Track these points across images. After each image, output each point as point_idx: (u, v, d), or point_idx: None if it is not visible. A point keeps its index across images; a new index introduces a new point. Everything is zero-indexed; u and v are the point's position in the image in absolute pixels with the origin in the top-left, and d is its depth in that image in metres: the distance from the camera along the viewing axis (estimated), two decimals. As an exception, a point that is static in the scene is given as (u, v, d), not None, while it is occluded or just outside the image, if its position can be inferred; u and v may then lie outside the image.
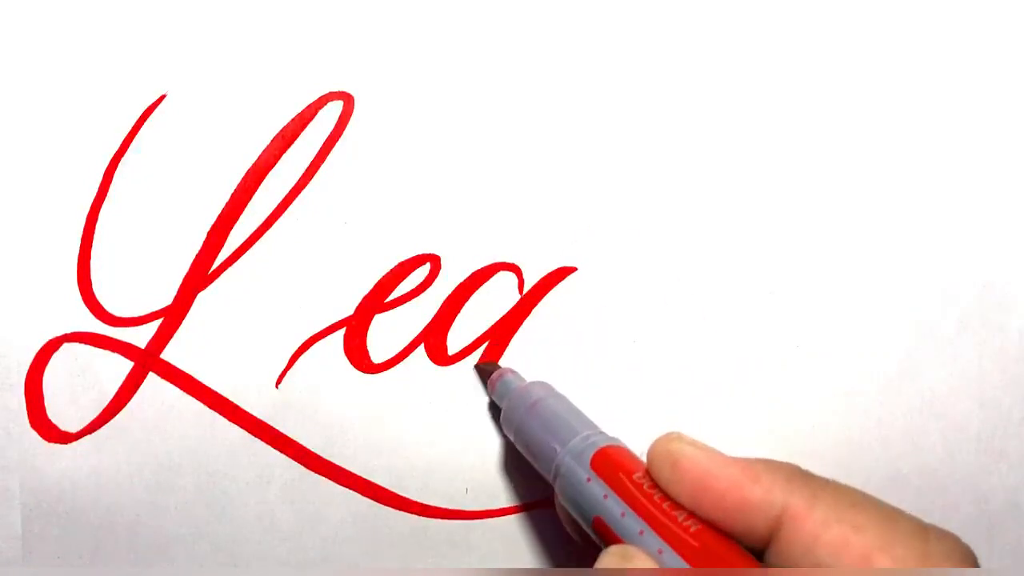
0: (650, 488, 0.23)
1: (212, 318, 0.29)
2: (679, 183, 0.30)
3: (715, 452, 0.22)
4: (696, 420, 0.31)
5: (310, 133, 0.29)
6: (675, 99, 0.30)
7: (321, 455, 0.30)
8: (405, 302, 0.30)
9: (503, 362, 0.30)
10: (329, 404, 0.30)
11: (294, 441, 0.30)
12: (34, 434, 0.29)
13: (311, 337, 0.29)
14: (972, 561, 0.20)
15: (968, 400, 0.33)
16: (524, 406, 0.27)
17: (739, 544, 0.21)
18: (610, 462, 0.24)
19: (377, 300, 0.30)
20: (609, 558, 0.22)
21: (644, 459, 0.23)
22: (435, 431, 0.30)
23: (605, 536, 0.23)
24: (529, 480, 0.31)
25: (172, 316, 0.29)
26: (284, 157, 0.29)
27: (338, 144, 0.29)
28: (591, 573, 0.22)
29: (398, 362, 0.30)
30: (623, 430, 0.31)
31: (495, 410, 0.30)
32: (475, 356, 0.30)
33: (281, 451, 0.30)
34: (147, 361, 0.29)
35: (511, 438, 0.28)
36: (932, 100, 0.31)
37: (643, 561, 0.21)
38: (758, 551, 0.21)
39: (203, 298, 0.29)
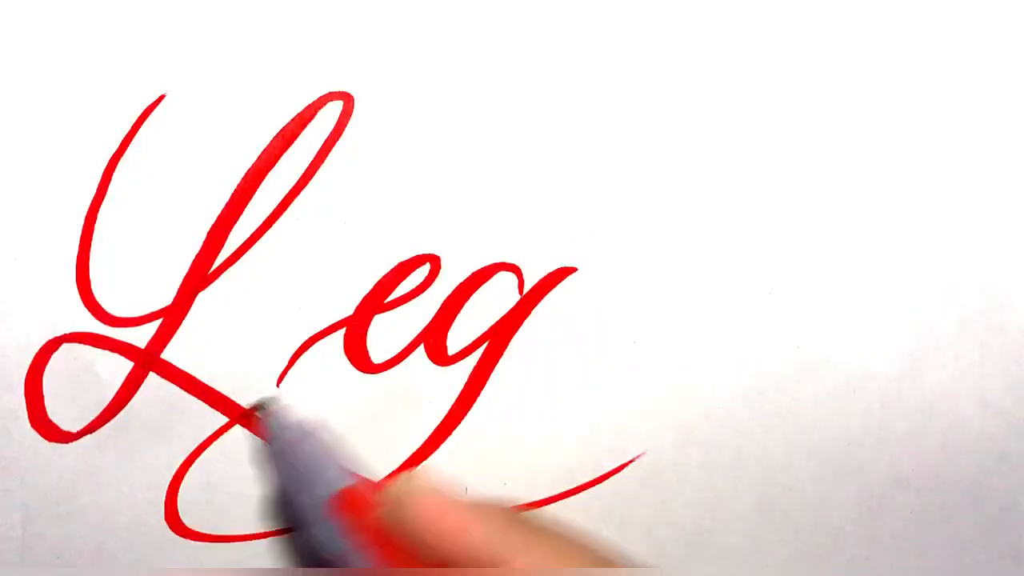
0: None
1: (212, 318, 0.29)
2: (679, 183, 0.30)
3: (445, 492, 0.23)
4: (696, 420, 0.31)
5: (310, 133, 0.29)
6: (675, 99, 0.30)
7: (321, 455, 0.30)
8: (405, 302, 0.30)
9: (502, 363, 0.30)
10: (329, 404, 0.30)
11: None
12: (34, 434, 0.29)
13: (311, 337, 0.29)
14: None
15: (968, 401, 0.33)
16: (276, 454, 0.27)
17: None
18: (350, 505, 0.24)
19: (377, 300, 0.30)
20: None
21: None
22: (435, 431, 0.30)
23: None
24: (529, 480, 0.31)
25: (172, 316, 0.29)
26: (284, 157, 0.29)
27: (338, 144, 0.29)
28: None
29: (398, 362, 0.30)
30: (624, 430, 0.31)
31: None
32: (475, 357, 0.30)
33: (281, 451, 0.30)
34: (147, 361, 0.29)
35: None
36: (932, 100, 0.31)
37: None
38: None
39: (203, 298, 0.29)
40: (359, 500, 0.24)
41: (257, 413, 0.29)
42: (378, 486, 0.25)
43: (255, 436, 0.29)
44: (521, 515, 0.23)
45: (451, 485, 0.23)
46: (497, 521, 0.22)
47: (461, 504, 0.22)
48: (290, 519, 0.27)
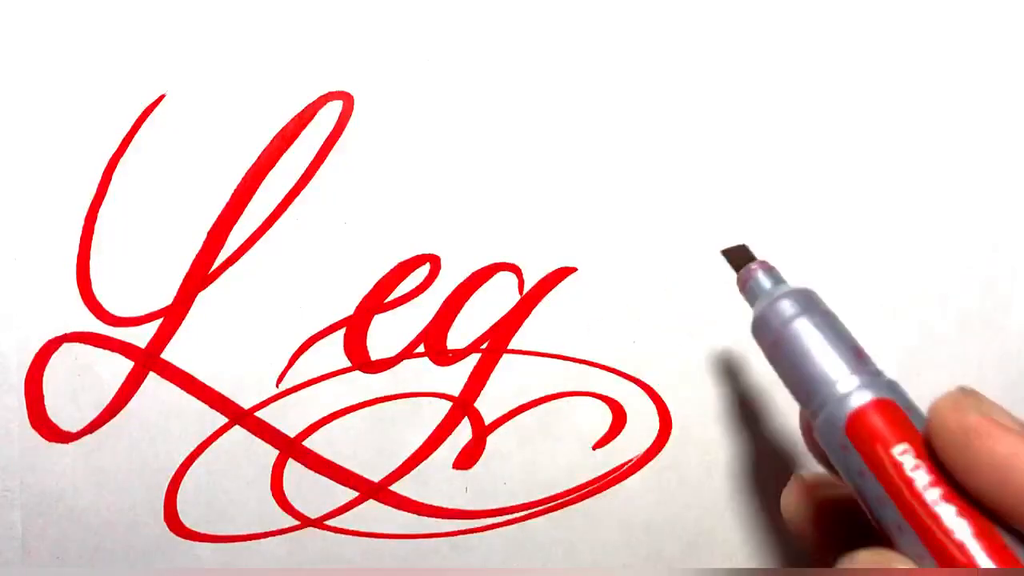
0: (915, 468, 0.18)
1: (212, 318, 0.29)
2: (679, 183, 0.30)
3: (1021, 430, 0.18)
4: (695, 421, 0.31)
5: (310, 133, 0.29)
6: (675, 99, 0.30)
7: (321, 455, 0.30)
8: (405, 302, 0.30)
9: (502, 360, 0.30)
10: (329, 404, 0.30)
11: (294, 441, 0.30)
12: (34, 434, 0.29)
13: (311, 337, 0.29)
14: None
15: (968, 400, 0.33)
16: (777, 323, 0.22)
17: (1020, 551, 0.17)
18: (871, 427, 0.19)
19: (377, 300, 0.30)
20: (859, 566, 0.18)
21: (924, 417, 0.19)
22: (435, 431, 0.30)
23: (867, 509, 0.20)
24: (529, 480, 0.31)
25: (172, 316, 0.29)
26: (284, 157, 0.29)
27: (338, 144, 0.29)
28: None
29: (398, 362, 0.30)
30: (624, 430, 0.31)
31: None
32: (474, 358, 0.30)
33: (281, 451, 0.30)
34: (147, 361, 0.29)
35: (762, 352, 0.24)
36: (932, 100, 0.31)
37: (902, 568, 0.17)
38: None
39: (203, 298, 0.29)
40: (887, 422, 0.19)
41: (732, 261, 0.26)
42: (893, 407, 0.20)
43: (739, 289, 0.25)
44: None
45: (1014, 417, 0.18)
46: None
47: None
48: (801, 404, 0.22)
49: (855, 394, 0.20)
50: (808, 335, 0.22)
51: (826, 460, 0.23)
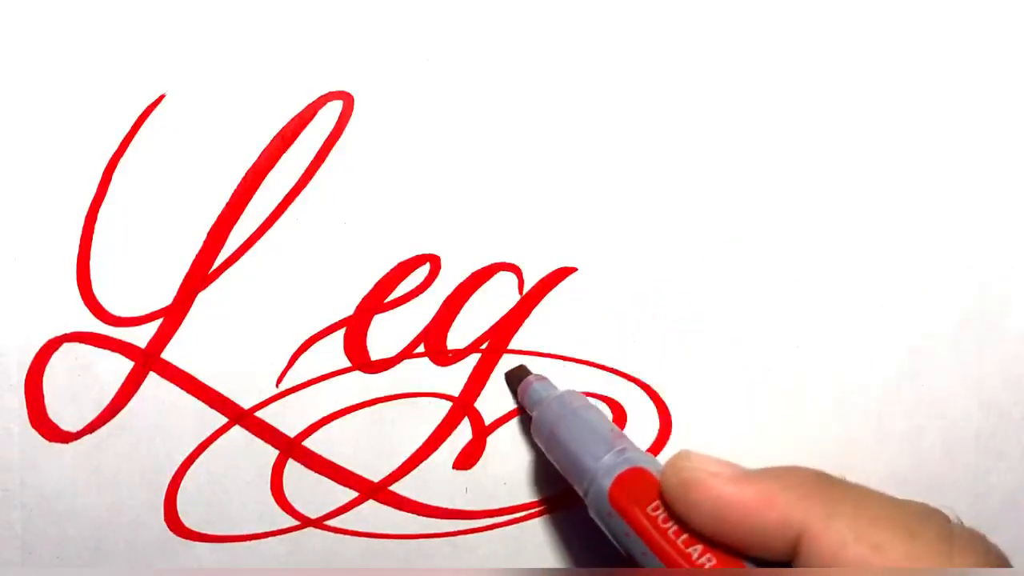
0: (665, 521, 0.22)
1: (212, 318, 0.29)
2: (679, 183, 0.30)
3: (728, 473, 0.21)
4: (695, 421, 0.31)
5: (310, 133, 0.29)
6: (675, 99, 0.30)
7: (321, 455, 0.30)
8: (405, 302, 0.30)
9: (502, 360, 0.30)
10: (329, 404, 0.30)
11: (294, 441, 0.30)
12: (34, 434, 0.29)
13: (311, 337, 0.29)
14: (1002, 562, 0.19)
15: (967, 400, 0.33)
16: (548, 424, 0.27)
17: (762, 564, 0.20)
18: (626, 495, 0.23)
19: (377, 300, 0.30)
20: None
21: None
22: (435, 431, 0.30)
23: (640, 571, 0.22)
24: (529, 480, 0.31)
25: (172, 316, 0.29)
26: (284, 157, 0.29)
27: (338, 144, 0.29)
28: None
29: (398, 362, 0.30)
30: (623, 430, 0.31)
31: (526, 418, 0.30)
32: (474, 358, 0.30)
33: (281, 451, 0.30)
34: (147, 361, 0.29)
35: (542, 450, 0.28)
36: (932, 101, 0.31)
37: None
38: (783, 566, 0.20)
39: (203, 298, 0.29)
40: (640, 487, 0.23)
41: (511, 381, 0.30)
42: (645, 474, 0.23)
43: (516, 400, 0.29)
44: (823, 477, 0.21)
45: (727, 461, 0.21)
46: (796, 491, 0.20)
47: (751, 478, 0.21)
48: (571, 483, 0.25)
49: (612, 467, 0.24)
50: (569, 429, 0.26)
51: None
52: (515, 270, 0.30)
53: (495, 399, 0.30)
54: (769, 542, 0.20)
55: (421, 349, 0.30)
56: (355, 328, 0.30)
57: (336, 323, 0.29)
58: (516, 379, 0.30)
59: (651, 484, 0.23)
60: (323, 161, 0.29)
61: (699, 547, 0.21)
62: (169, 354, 0.29)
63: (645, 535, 0.22)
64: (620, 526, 0.23)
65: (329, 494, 0.30)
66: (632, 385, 0.31)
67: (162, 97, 0.28)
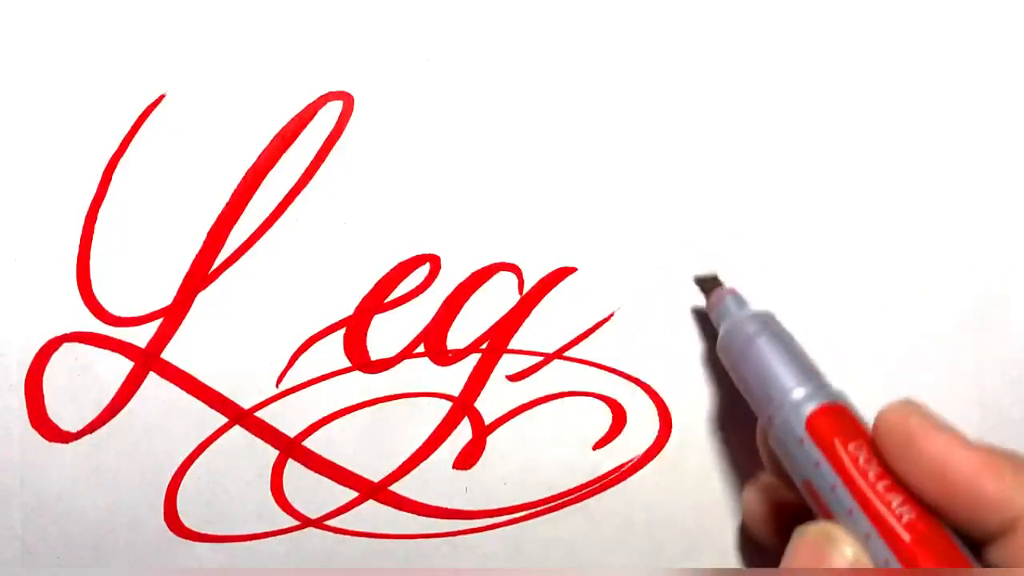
0: (867, 462, 0.21)
1: (212, 318, 0.29)
2: (679, 183, 0.30)
3: (954, 434, 0.21)
4: (695, 421, 0.31)
5: (310, 133, 0.29)
6: (675, 99, 0.30)
7: (321, 455, 0.30)
8: (405, 302, 0.30)
9: (502, 360, 0.30)
10: (329, 404, 0.30)
11: (294, 441, 0.30)
12: (34, 434, 0.29)
13: (311, 337, 0.29)
14: None
15: (967, 400, 0.33)
16: (743, 338, 0.26)
17: (957, 535, 0.20)
18: (827, 425, 0.22)
19: (377, 300, 0.30)
20: (812, 536, 0.20)
21: (870, 423, 0.22)
22: (435, 431, 0.30)
23: (815, 502, 0.22)
24: (529, 480, 0.31)
25: (172, 316, 0.29)
26: (284, 157, 0.29)
27: (338, 144, 0.29)
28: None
29: (398, 362, 0.30)
30: (624, 430, 0.31)
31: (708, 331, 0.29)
32: (474, 358, 0.30)
33: (281, 451, 0.30)
34: (147, 361, 0.29)
35: (726, 368, 0.27)
36: (932, 101, 0.31)
37: (849, 543, 0.20)
38: (976, 544, 0.20)
39: (203, 298, 0.29)
40: (842, 423, 0.22)
41: (704, 287, 0.29)
42: (848, 413, 0.23)
43: (707, 311, 0.28)
44: None
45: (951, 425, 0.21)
46: (1018, 472, 0.19)
47: (979, 448, 0.20)
48: (756, 410, 0.25)
49: (814, 396, 0.23)
50: (769, 348, 0.25)
51: (776, 467, 0.25)
52: (515, 270, 0.30)
53: (495, 399, 0.30)
54: (981, 514, 0.19)
55: (421, 349, 0.30)
56: (355, 328, 0.30)
57: (336, 323, 0.29)
58: (708, 286, 0.28)
59: (853, 424, 0.22)
60: (323, 161, 0.29)
61: (899, 497, 0.20)
62: (169, 354, 0.29)
63: (842, 471, 0.21)
64: (811, 454, 0.22)
65: (329, 494, 0.30)
66: (632, 385, 0.31)
67: (162, 97, 0.28)
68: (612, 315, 0.31)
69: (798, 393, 0.23)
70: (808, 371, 0.24)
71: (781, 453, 0.23)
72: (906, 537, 0.19)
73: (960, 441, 0.20)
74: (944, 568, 0.19)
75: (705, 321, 0.31)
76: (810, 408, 0.23)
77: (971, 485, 0.20)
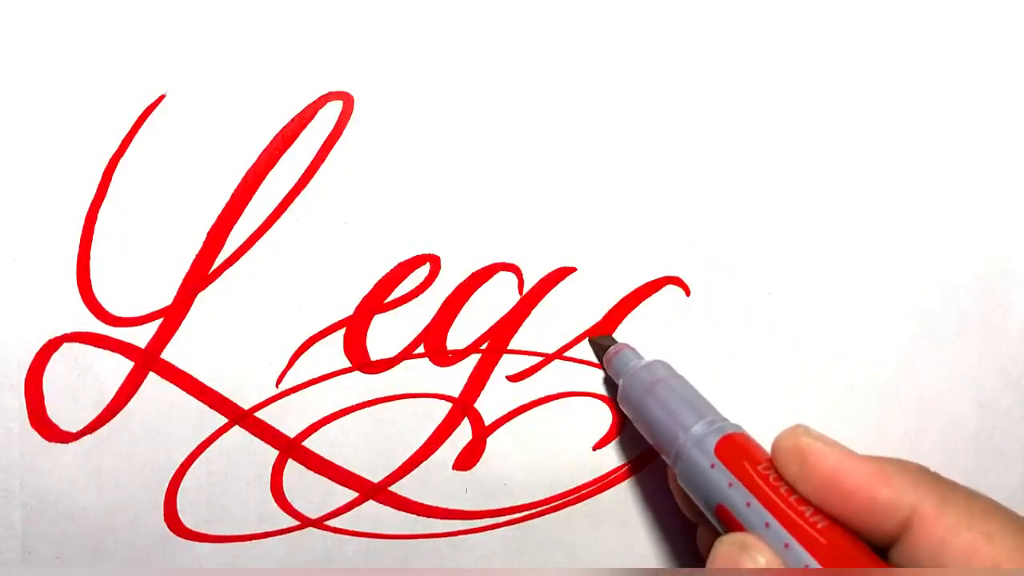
0: (775, 480, 0.22)
1: (212, 318, 0.29)
2: (679, 183, 0.30)
3: (843, 449, 0.22)
4: (696, 420, 0.31)
5: (310, 133, 0.29)
6: (675, 99, 0.30)
7: (321, 455, 0.30)
8: (405, 302, 0.30)
9: (502, 360, 0.30)
10: (329, 404, 0.30)
11: (294, 441, 0.30)
12: (34, 434, 0.29)
13: (311, 337, 0.29)
14: None
15: (967, 400, 0.33)
16: (643, 385, 0.27)
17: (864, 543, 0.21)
18: (735, 450, 0.24)
19: (377, 300, 0.30)
20: (726, 546, 0.21)
21: (768, 450, 0.23)
22: (435, 431, 0.30)
23: (728, 524, 0.23)
24: (529, 480, 0.31)
25: (172, 316, 0.29)
26: (284, 157, 0.29)
27: (338, 144, 0.29)
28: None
29: (398, 362, 0.30)
30: (624, 430, 0.31)
31: (610, 385, 0.31)
32: (474, 358, 0.30)
33: (281, 451, 0.30)
34: (147, 361, 0.29)
35: (628, 415, 0.28)
36: (932, 99, 0.31)
37: (762, 551, 0.21)
38: (880, 551, 0.21)
39: (203, 298, 0.29)
40: (747, 448, 0.24)
41: (597, 349, 0.30)
42: (749, 440, 0.24)
43: (604, 369, 0.30)
44: (930, 471, 0.22)
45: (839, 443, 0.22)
46: (910, 475, 0.21)
47: (866, 458, 0.22)
48: (662, 450, 0.26)
49: (716, 428, 0.25)
50: (668, 392, 0.27)
51: (690, 505, 0.27)
52: (515, 270, 0.30)
53: (495, 399, 0.30)
54: (878, 519, 0.21)
55: (421, 349, 0.30)
56: (355, 328, 0.30)
57: (336, 323, 0.29)
58: (601, 347, 0.30)
59: (755, 449, 0.24)
60: (323, 161, 0.29)
61: (809, 508, 0.21)
62: (169, 354, 0.29)
63: (755, 487, 0.22)
64: (723, 477, 0.23)
65: (329, 494, 0.30)
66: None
67: (162, 97, 0.28)
68: (612, 316, 0.31)
69: (703, 426, 0.25)
70: (706, 408, 0.26)
71: (691, 485, 0.24)
72: (823, 541, 0.21)
73: (849, 455, 0.22)
74: (862, 568, 0.20)
75: (707, 323, 0.31)
76: (716, 437, 0.24)
77: (864, 492, 0.21)
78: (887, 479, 0.21)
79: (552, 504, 0.31)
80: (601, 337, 0.30)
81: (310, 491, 0.30)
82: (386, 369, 0.30)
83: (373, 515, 0.30)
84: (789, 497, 0.22)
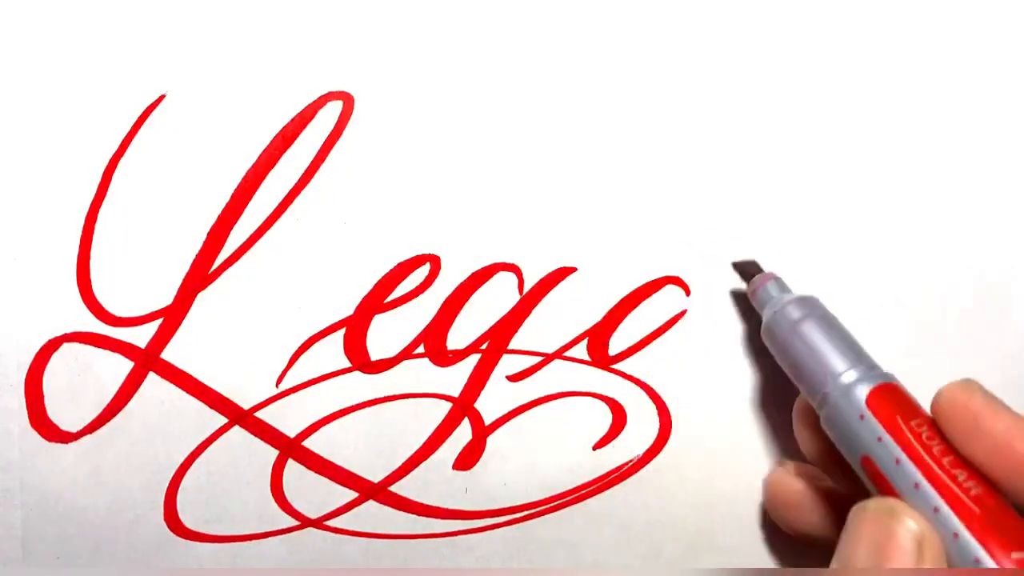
0: (929, 438, 0.21)
1: (212, 318, 0.29)
2: (678, 183, 0.30)
3: (1016, 414, 0.21)
4: (695, 421, 0.31)
5: (310, 133, 0.29)
6: (674, 99, 0.30)
7: (321, 455, 0.30)
8: (405, 302, 0.30)
9: (502, 360, 0.30)
10: (329, 404, 0.30)
11: (294, 441, 0.30)
12: (34, 434, 0.29)
13: (311, 337, 0.29)
14: None
15: (967, 400, 0.33)
16: (789, 321, 0.26)
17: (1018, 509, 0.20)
18: (889, 402, 0.23)
19: (377, 300, 0.30)
20: (874, 512, 0.20)
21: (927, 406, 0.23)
22: (435, 431, 0.30)
23: (874, 478, 0.22)
24: (529, 480, 0.31)
25: (172, 316, 0.29)
26: (284, 157, 0.29)
27: (338, 144, 0.29)
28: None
29: (398, 362, 0.30)
30: (624, 430, 0.31)
31: (748, 317, 0.30)
32: (474, 358, 0.30)
33: (281, 451, 0.30)
34: (147, 361, 0.29)
35: (771, 351, 0.27)
36: (932, 99, 0.31)
37: (914, 517, 0.20)
38: None
39: (203, 298, 0.29)
40: (901, 401, 0.23)
41: (744, 273, 0.29)
42: (903, 393, 0.23)
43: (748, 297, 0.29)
44: None
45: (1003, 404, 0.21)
46: None
47: None
48: (808, 392, 0.25)
49: (870, 376, 0.23)
50: (819, 331, 0.25)
51: (818, 449, 0.26)
52: (515, 270, 0.30)
53: (495, 399, 0.30)
54: None
55: (421, 349, 0.30)
56: (355, 328, 0.30)
57: (336, 323, 0.29)
58: (747, 274, 0.29)
59: (910, 403, 0.23)
60: (323, 161, 0.29)
61: (964, 472, 0.20)
62: (169, 354, 0.29)
63: (907, 445, 0.21)
64: (873, 429, 0.22)
65: (329, 494, 0.30)
66: (632, 385, 0.31)
67: (162, 97, 0.28)
68: (612, 316, 0.31)
69: (854, 373, 0.24)
70: (859, 353, 0.25)
71: (836, 432, 0.23)
72: (976, 510, 0.20)
73: (1021, 419, 0.21)
74: (1013, 539, 0.19)
75: (707, 323, 0.31)
76: (869, 386, 0.23)
77: None
78: None
79: (552, 504, 0.31)
80: (745, 262, 0.29)
81: (310, 491, 0.30)
82: (386, 369, 0.30)
83: (373, 515, 0.30)
84: (943, 459, 0.21)
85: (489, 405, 0.30)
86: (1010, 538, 0.19)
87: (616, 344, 0.31)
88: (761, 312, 0.28)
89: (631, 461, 0.31)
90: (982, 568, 0.19)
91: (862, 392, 0.23)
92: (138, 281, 0.28)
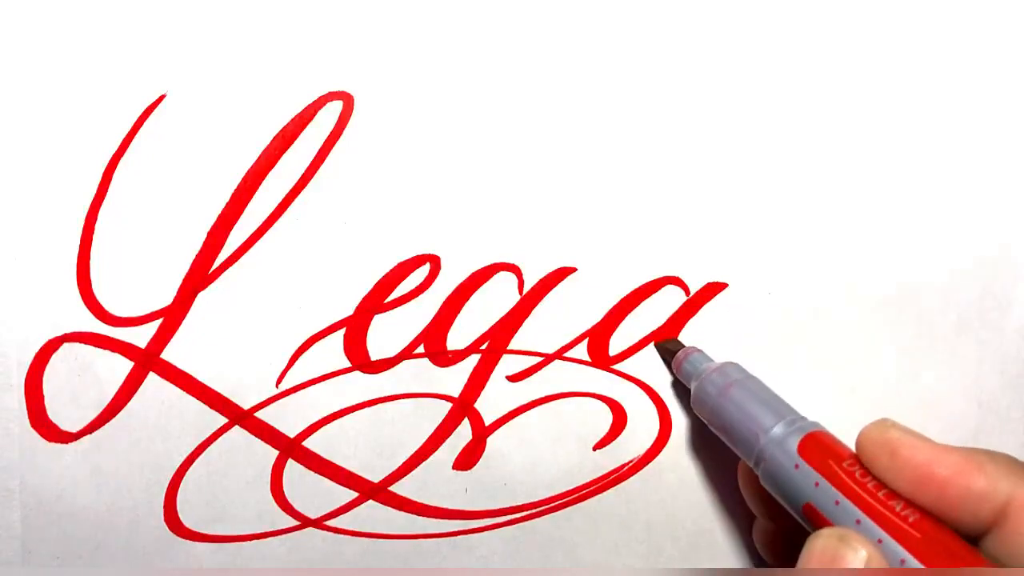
0: (862, 476, 0.22)
1: (212, 318, 0.29)
2: (678, 183, 0.30)
3: (931, 441, 0.22)
4: (695, 421, 0.31)
5: (310, 133, 0.29)
6: (674, 99, 0.30)
7: (321, 455, 0.30)
8: (405, 302, 0.30)
9: (502, 360, 0.30)
10: (329, 404, 0.30)
11: (294, 441, 0.30)
12: (34, 434, 0.29)
13: (311, 337, 0.29)
14: None
15: (966, 400, 0.33)
16: (717, 388, 0.27)
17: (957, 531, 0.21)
18: (819, 448, 0.24)
19: (377, 300, 0.30)
20: (825, 540, 0.21)
21: (851, 446, 0.23)
22: (435, 431, 0.30)
23: (818, 524, 0.23)
24: (529, 480, 0.31)
25: (172, 316, 0.29)
26: (284, 157, 0.29)
27: (338, 144, 0.29)
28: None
29: (398, 362, 0.30)
30: (624, 430, 0.31)
31: (679, 388, 0.31)
32: (474, 358, 0.30)
33: (281, 451, 0.30)
34: (147, 361, 0.29)
35: (703, 419, 0.28)
36: (932, 99, 0.31)
37: (862, 542, 0.21)
38: (971, 541, 0.21)
39: (203, 298, 0.29)
40: (830, 446, 0.24)
41: (664, 354, 0.30)
42: (830, 438, 0.24)
43: (672, 373, 0.30)
44: (1019, 460, 0.22)
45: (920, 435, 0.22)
46: (1002, 464, 0.21)
47: (956, 449, 0.21)
48: (743, 453, 0.26)
49: (797, 428, 0.25)
50: (745, 393, 0.26)
51: (765, 507, 0.28)
52: (515, 270, 0.30)
53: (495, 399, 0.30)
54: (973, 508, 0.21)
55: (421, 349, 0.30)
56: (355, 328, 0.30)
57: (336, 323, 0.29)
58: (669, 351, 0.30)
59: (838, 446, 0.24)
60: (323, 161, 0.29)
61: (899, 503, 0.21)
62: (169, 354, 0.29)
63: (843, 485, 0.22)
64: (809, 477, 0.23)
65: (329, 494, 0.30)
66: (632, 385, 0.31)
67: (162, 97, 0.28)
68: (612, 317, 0.31)
69: (783, 427, 0.25)
70: (784, 408, 0.26)
71: (775, 486, 0.24)
72: (917, 535, 0.20)
73: (939, 446, 0.22)
74: (960, 567, 0.20)
75: (707, 323, 0.31)
76: (798, 437, 0.24)
77: (959, 482, 0.21)
78: (981, 468, 0.21)
79: (552, 504, 0.31)
80: (668, 341, 0.30)
81: (310, 491, 0.30)
82: (386, 369, 0.30)
83: (373, 515, 0.30)
84: (877, 492, 0.22)
85: (489, 405, 0.30)
86: (954, 558, 0.20)
87: (616, 344, 0.31)
88: (689, 385, 0.29)
89: (631, 461, 0.31)
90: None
91: (793, 443, 0.24)
92: (138, 281, 0.28)
